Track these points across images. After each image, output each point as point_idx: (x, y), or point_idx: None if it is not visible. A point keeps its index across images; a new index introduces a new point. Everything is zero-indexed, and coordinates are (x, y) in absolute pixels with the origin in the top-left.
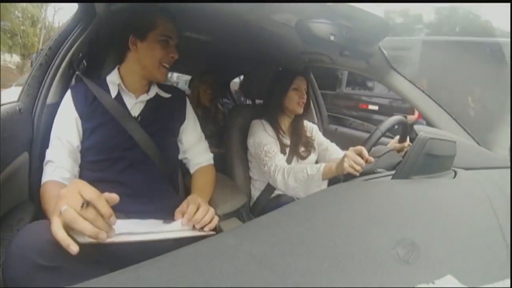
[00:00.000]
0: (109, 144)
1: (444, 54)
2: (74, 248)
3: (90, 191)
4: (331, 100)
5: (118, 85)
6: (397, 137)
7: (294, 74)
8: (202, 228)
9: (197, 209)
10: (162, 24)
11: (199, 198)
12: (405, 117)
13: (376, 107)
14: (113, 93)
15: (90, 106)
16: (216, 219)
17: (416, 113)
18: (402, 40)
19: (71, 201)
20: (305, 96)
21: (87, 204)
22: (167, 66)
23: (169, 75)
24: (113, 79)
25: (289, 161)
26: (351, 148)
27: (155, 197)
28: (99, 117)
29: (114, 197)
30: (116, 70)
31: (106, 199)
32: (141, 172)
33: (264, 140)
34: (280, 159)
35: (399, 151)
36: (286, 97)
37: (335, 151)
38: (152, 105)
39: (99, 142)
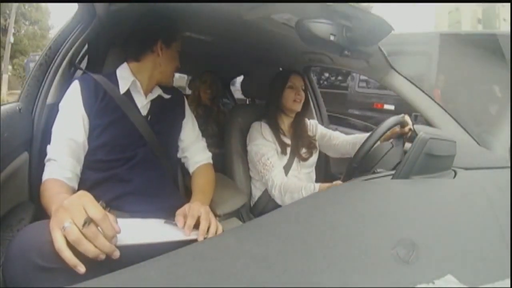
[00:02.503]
0: (121, 143)
1: (462, 48)
2: (81, 269)
3: (95, 209)
4: (343, 100)
5: (132, 81)
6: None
7: (289, 72)
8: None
9: (198, 220)
10: (182, 37)
11: (202, 208)
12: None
13: (392, 107)
14: (123, 89)
15: (101, 102)
16: (220, 229)
17: None
18: (420, 34)
19: (75, 216)
20: (302, 93)
21: (90, 221)
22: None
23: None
24: (125, 74)
25: (290, 163)
26: (335, 182)
27: (159, 196)
28: (110, 114)
29: (117, 229)
30: (126, 66)
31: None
32: (148, 171)
33: (261, 150)
34: (276, 174)
35: (401, 134)
36: (282, 96)
37: (339, 136)
38: (156, 105)
39: (111, 140)
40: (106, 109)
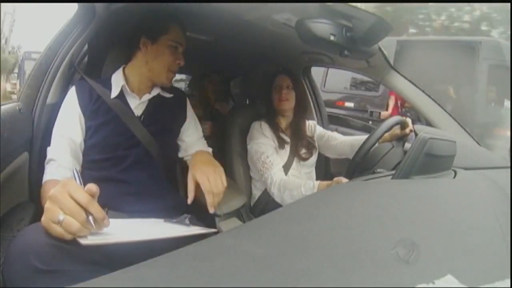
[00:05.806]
0: (112, 142)
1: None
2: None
3: (82, 195)
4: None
5: (122, 86)
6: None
7: (275, 73)
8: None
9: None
10: (174, 30)
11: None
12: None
13: (352, 104)
14: (114, 93)
15: (94, 104)
16: (224, 178)
17: (390, 109)
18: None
19: (65, 207)
20: (286, 92)
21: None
22: (174, 71)
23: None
24: (117, 79)
25: (290, 162)
26: (335, 179)
27: (157, 196)
28: (102, 116)
29: (93, 188)
30: (121, 70)
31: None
32: (143, 171)
33: (261, 148)
34: (276, 172)
35: (401, 136)
36: (271, 98)
37: (338, 137)
38: (154, 105)
39: (102, 140)
40: (98, 111)
